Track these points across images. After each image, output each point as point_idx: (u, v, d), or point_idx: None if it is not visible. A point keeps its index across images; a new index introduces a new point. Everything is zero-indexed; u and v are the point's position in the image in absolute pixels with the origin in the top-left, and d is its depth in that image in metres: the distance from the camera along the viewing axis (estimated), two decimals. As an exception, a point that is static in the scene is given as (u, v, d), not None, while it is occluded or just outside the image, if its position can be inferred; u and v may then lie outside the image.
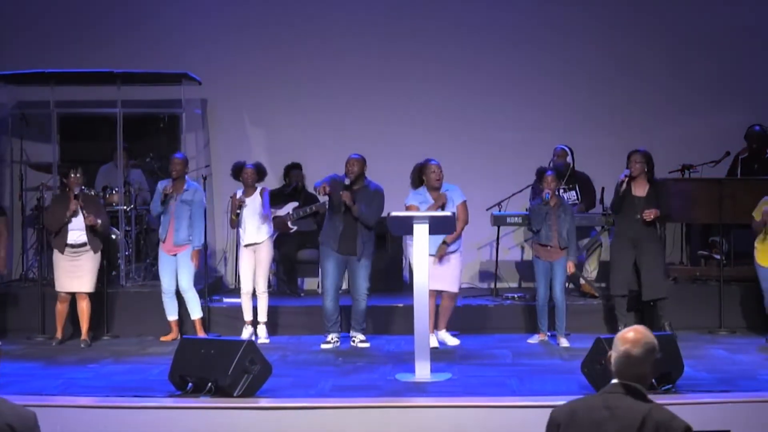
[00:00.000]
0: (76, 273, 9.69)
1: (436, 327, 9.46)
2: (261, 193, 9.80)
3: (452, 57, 12.24)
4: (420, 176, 9.46)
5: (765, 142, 11.03)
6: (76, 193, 9.69)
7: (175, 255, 9.81)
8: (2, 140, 12.15)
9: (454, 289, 9.47)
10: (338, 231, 9.47)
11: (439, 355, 8.69)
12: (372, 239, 9.62)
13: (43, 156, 11.61)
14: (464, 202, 9.48)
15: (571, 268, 9.55)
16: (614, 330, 9.75)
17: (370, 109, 12.23)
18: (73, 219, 9.67)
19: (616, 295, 9.69)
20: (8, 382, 7.51)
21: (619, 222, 9.78)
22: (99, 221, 9.69)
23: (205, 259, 10.17)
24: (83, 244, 9.70)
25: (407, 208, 9.27)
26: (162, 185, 9.95)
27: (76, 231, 9.69)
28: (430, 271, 8.65)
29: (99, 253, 9.80)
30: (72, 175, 9.74)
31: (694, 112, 12.12)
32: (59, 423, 6.71)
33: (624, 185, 9.48)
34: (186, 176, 9.96)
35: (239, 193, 9.84)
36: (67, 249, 9.69)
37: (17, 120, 11.77)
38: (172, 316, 9.94)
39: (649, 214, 9.43)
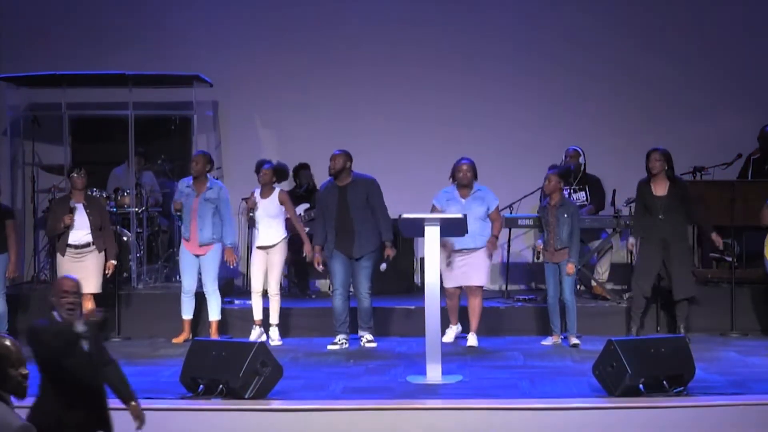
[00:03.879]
0: (80, 274, 9.54)
1: (464, 328, 9.61)
2: (279, 196, 9.77)
3: (464, 60, 12.22)
4: (453, 174, 9.62)
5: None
6: (79, 188, 9.64)
7: (198, 256, 9.79)
8: (14, 142, 12.17)
9: (478, 282, 9.49)
10: (333, 234, 9.52)
11: (451, 357, 8.68)
12: (372, 237, 9.55)
13: (55, 158, 11.62)
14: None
15: (569, 269, 9.44)
16: (627, 332, 9.73)
17: (381, 110, 12.22)
18: (75, 219, 9.59)
19: (638, 298, 9.67)
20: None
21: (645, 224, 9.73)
22: (114, 262, 9.69)
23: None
24: (87, 245, 9.59)
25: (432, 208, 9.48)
26: (183, 184, 9.94)
27: (79, 231, 9.59)
28: (458, 266, 8.94)
29: (104, 253, 9.67)
30: (74, 175, 9.69)
31: (705, 114, 12.08)
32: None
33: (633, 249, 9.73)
34: (208, 174, 9.94)
35: (256, 193, 9.83)
36: (69, 250, 9.58)
37: (29, 122, 11.79)
38: (188, 315, 9.90)
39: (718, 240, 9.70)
